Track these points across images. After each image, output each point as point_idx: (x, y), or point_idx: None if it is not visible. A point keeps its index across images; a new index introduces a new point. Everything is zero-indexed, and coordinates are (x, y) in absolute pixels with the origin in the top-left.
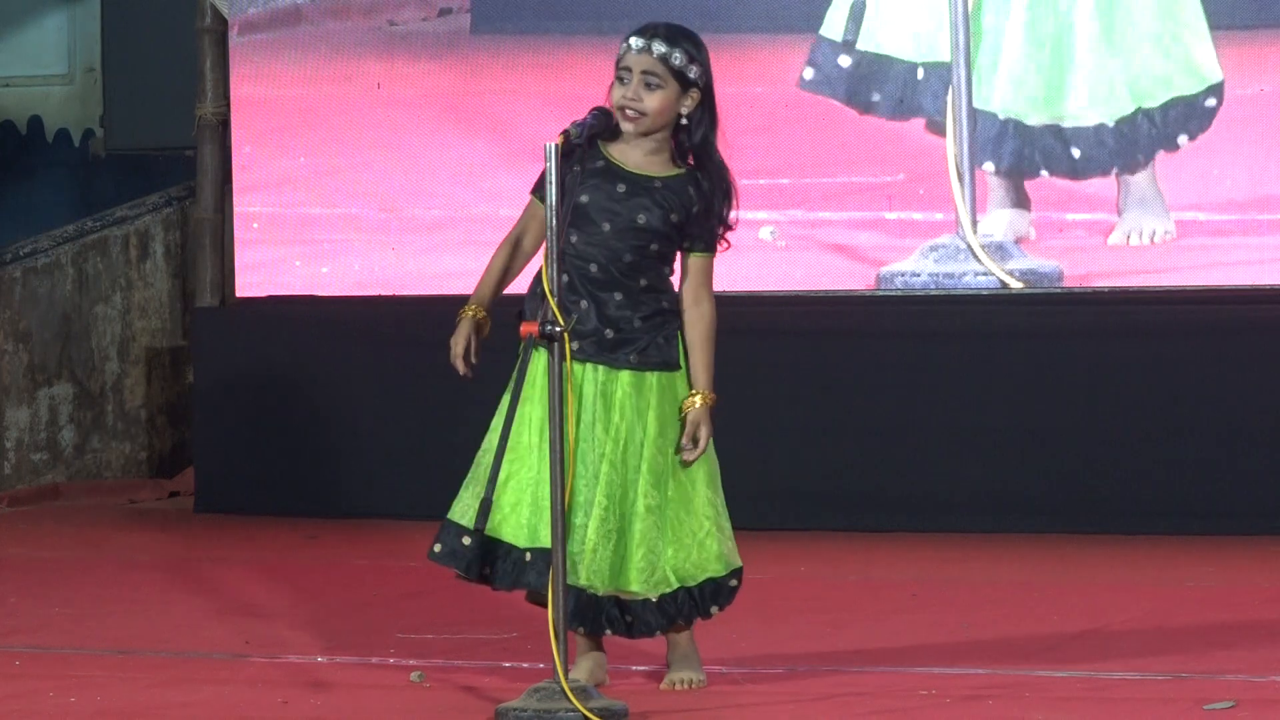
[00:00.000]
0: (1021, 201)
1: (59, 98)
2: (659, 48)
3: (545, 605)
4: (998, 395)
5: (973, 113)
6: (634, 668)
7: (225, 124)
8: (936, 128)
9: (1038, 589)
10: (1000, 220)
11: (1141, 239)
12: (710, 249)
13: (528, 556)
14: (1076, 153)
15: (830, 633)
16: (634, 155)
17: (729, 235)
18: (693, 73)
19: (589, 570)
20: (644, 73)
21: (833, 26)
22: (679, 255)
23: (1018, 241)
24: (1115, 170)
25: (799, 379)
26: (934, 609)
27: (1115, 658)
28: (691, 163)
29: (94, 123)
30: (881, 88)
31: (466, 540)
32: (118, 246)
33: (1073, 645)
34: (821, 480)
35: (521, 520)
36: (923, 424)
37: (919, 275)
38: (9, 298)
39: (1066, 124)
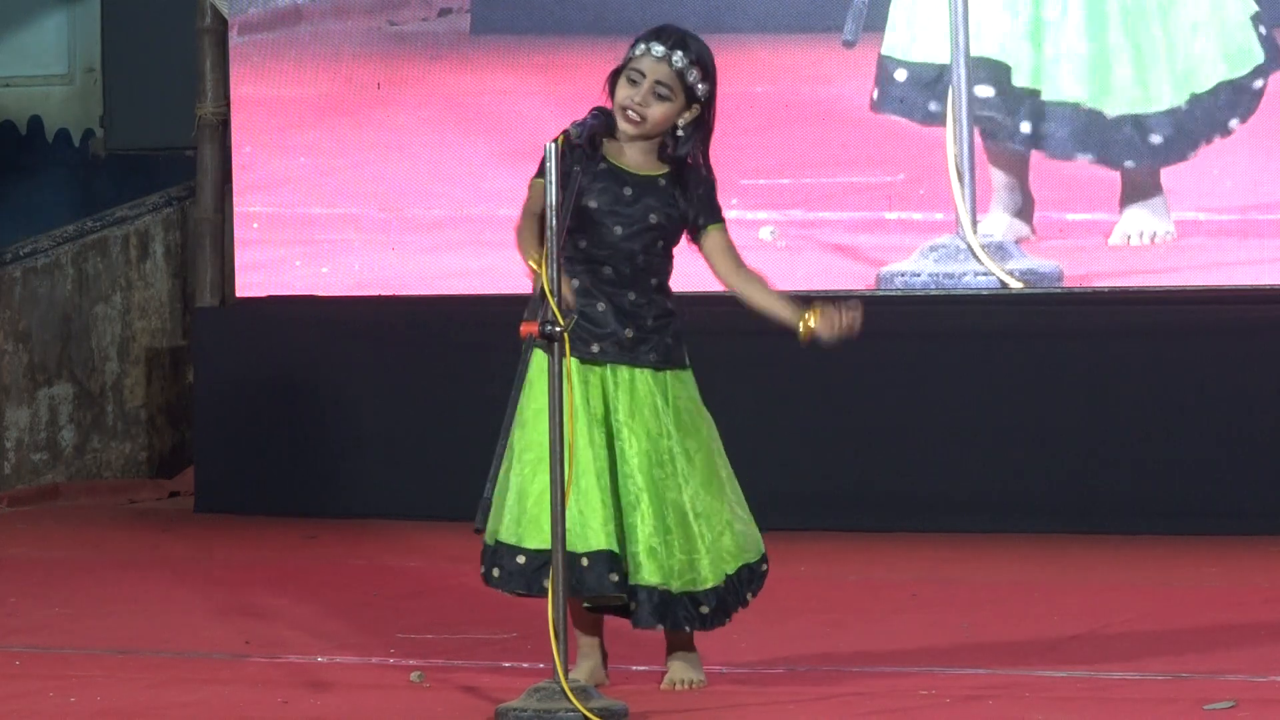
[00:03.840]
0: (1022, 201)
1: (59, 98)
2: (679, 61)
3: (603, 609)
4: (998, 395)
5: (973, 112)
6: (634, 668)
7: (225, 124)
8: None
9: (1038, 589)
10: (1000, 220)
11: (1142, 239)
12: (720, 219)
13: (584, 561)
14: (1156, 139)
15: (830, 633)
16: (633, 156)
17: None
18: (700, 90)
19: (661, 570)
20: (657, 81)
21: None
22: (694, 245)
23: (1018, 241)
24: (1191, 155)
25: (799, 379)
26: (934, 609)
27: (1115, 658)
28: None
29: (94, 123)
30: (942, 98)
31: (521, 559)
32: (118, 246)
33: (1073, 645)
34: (821, 480)
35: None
36: (923, 424)
37: (919, 275)
38: (9, 298)
39: (1141, 111)
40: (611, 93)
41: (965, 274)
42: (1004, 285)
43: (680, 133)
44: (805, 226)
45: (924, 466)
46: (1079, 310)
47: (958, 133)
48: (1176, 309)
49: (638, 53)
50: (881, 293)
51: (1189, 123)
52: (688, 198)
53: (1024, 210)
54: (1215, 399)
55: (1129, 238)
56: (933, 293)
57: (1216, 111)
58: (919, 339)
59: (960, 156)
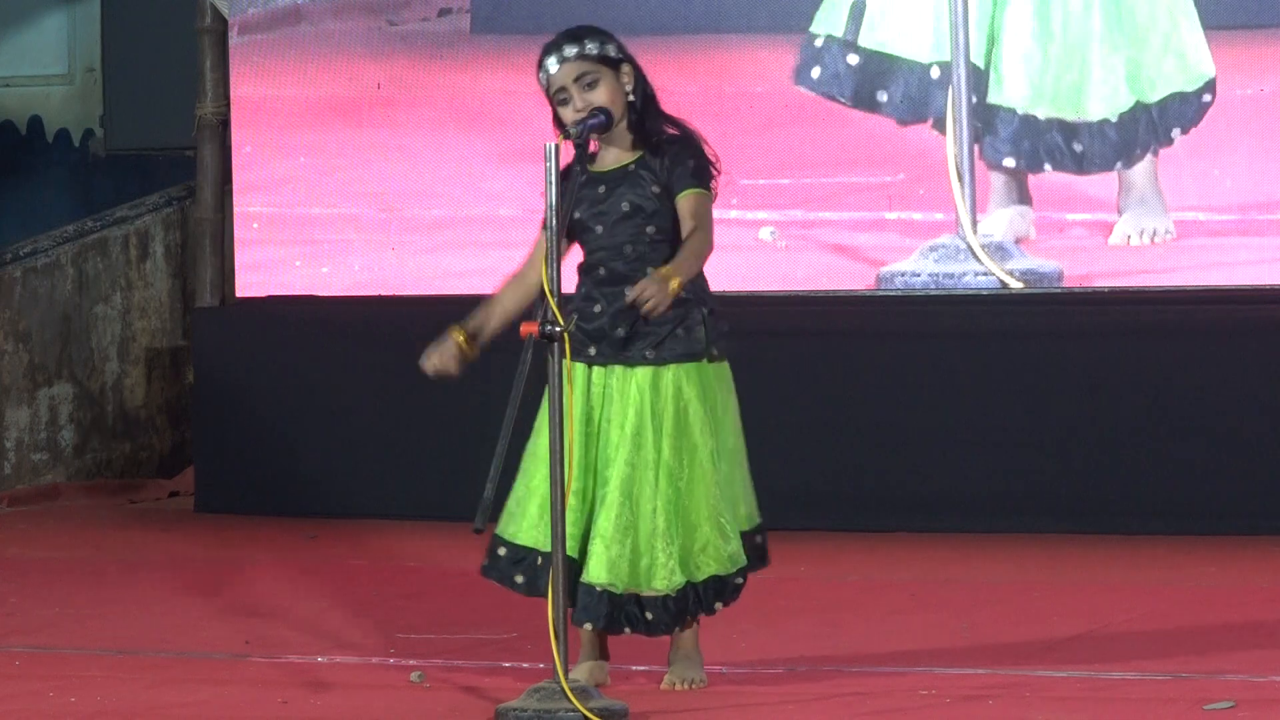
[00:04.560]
0: (1022, 201)
1: (59, 98)
2: (571, 50)
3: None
4: (998, 395)
5: (973, 112)
6: (634, 668)
7: (225, 124)
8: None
9: (1038, 589)
10: (1000, 220)
11: (1141, 239)
12: (696, 184)
13: (539, 561)
14: (1079, 148)
15: (830, 633)
16: (610, 156)
17: (718, 176)
18: (612, 50)
19: (610, 569)
20: (576, 80)
21: (828, 23)
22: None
23: (1018, 241)
24: (1118, 165)
25: (799, 379)
26: (934, 609)
27: (1115, 658)
28: (648, 127)
29: (94, 123)
30: (888, 88)
31: (502, 551)
32: (118, 246)
33: (1073, 645)
34: (821, 480)
35: (533, 524)
36: (923, 424)
37: (919, 275)
38: (9, 298)
39: (1071, 119)
40: (565, 133)
41: (965, 274)
42: (1004, 285)
43: (632, 98)
44: (805, 226)
45: (924, 466)
46: (1079, 310)
47: (958, 133)
48: (1176, 309)
49: (543, 81)
50: (881, 293)
51: (1125, 132)
52: (659, 171)
53: (1024, 210)
54: (1215, 399)
55: (1129, 237)
56: (933, 293)
57: (1162, 122)
58: (919, 339)
59: (960, 156)
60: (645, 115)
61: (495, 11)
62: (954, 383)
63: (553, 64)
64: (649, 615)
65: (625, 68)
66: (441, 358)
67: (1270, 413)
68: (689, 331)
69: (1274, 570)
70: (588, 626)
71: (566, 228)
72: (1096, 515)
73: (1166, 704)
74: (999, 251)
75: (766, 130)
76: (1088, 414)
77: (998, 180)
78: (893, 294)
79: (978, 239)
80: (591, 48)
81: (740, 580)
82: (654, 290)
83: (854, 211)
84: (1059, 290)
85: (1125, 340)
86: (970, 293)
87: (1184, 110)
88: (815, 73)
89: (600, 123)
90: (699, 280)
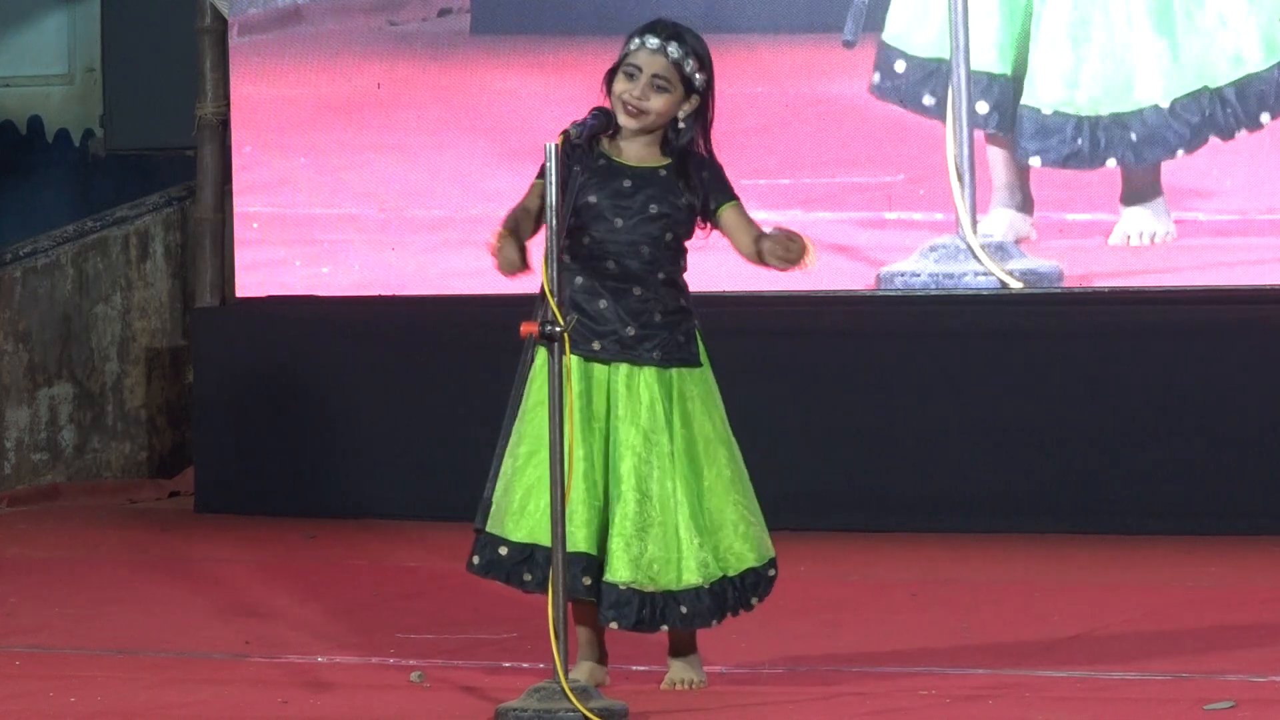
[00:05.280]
0: (1022, 201)
1: (59, 98)
2: (674, 52)
3: (581, 604)
4: (998, 395)
5: (973, 112)
6: (634, 668)
7: (225, 124)
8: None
9: (1038, 589)
10: (1000, 220)
11: (1142, 239)
12: (732, 197)
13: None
14: (1134, 136)
15: (830, 633)
16: (633, 150)
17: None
18: (698, 80)
19: (632, 567)
20: (654, 75)
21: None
22: (717, 230)
23: (1018, 241)
24: (1179, 153)
25: (799, 379)
26: (934, 609)
27: (1115, 658)
28: (680, 145)
29: (94, 123)
30: (935, 92)
31: (504, 550)
32: (118, 246)
33: (1072, 645)
34: (821, 480)
35: (538, 521)
36: (923, 424)
37: (919, 275)
38: (9, 298)
39: (1125, 109)
40: (608, 91)
41: (965, 274)
42: (1004, 285)
43: (681, 124)
44: (805, 226)
45: (924, 466)
46: (1079, 310)
47: (957, 133)
48: (1176, 309)
49: (633, 47)
50: (881, 293)
51: (1186, 117)
52: (692, 186)
53: (1024, 210)
54: (1215, 399)
55: (1129, 238)
56: (933, 293)
57: (1243, 106)
58: (919, 339)
59: (960, 156)
60: (684, 147)
61: (495, 11)
62: (954, 383)
63: (651, 43)
64: (684, 609)
65: (694, 99)
66: (514, 249)
67: (1270, 413)
68: (688, 339)
69: (1274, 570)
70: (613, 626)
71: (576, 208)
72: (1096, 515)
73: (1166, 704)
74: (999, 251)
75: (766, 130)
76: (1088, 414)
77: (999, 180)
78: (893, 294)
79: (978, 239)
80: (688, 66)
81: (773, 573)
82: (799, 246)
83: (854, 211)
84: (1059, 290)
85: (1125, 340)
86: (970, 293)
87: (1267, 92)
88: (876, 78)
89: (599, 124)
90: (688, 291)
